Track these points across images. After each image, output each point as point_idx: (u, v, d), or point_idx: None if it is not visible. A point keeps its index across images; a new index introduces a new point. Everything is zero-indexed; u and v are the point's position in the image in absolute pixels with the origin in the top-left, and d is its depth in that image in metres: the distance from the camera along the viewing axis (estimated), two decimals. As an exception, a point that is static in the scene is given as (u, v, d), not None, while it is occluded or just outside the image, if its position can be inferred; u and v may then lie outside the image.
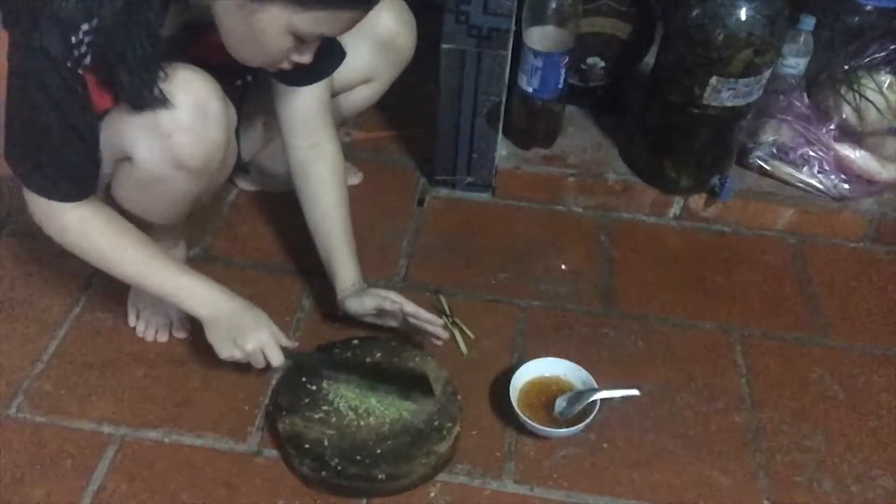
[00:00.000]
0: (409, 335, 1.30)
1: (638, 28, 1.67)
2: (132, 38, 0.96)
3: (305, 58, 1.04)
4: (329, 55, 1.21)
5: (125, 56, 0.97)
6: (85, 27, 0.94)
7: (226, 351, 1.14)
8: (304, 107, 1.24)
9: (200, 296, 1.13)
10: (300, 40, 0.99)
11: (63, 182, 1.04)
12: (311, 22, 0.96)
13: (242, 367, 1.19)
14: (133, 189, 1.15)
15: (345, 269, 1.27)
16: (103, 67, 0.98)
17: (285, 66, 1.05)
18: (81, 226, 1.08)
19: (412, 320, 1.23)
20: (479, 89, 1.51)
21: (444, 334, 1.26)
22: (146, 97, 1.01)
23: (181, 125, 1.03)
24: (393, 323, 1.28)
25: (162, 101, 1.01)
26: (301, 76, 1.19)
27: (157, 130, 1.04)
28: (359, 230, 1.31)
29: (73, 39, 0.94)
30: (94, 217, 1.09)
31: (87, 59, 0.96)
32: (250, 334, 1.13)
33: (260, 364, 1.15)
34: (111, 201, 1.21)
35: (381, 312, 1.25)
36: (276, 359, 1.14)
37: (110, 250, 1.10)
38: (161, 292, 1.14)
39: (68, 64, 0.95)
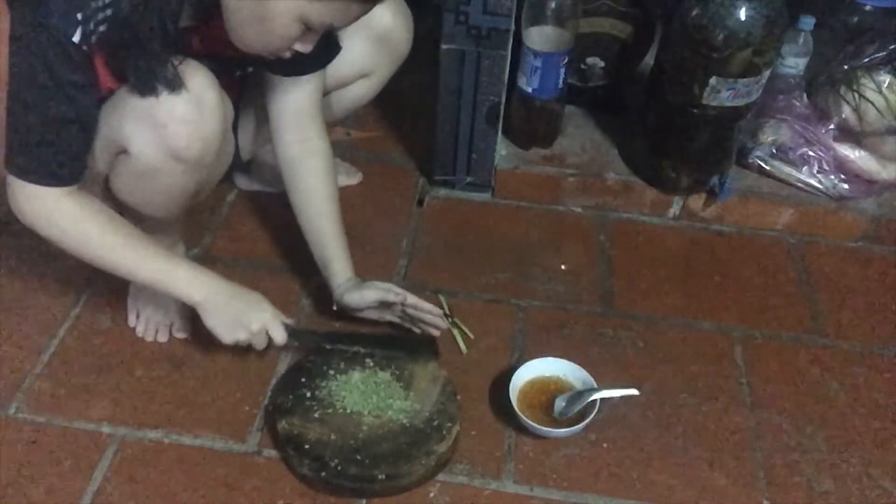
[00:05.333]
0: (406, 329, 1.31)
1: (638, 28, 1.67)
2: (146, 23, 0.96)
3: (307, 47, 1.04)
4: (324, 48, 1.21)
5: (138, 40, 0.97)
6: (98, 3, 0.94)
7: (229, 334, 1.14)
8: (296, 101, 1.25)
9: (195, 281, 1.13)
10: (308, 29, 1.00)
11: (54, 165, 1.03)
12: (323, 12, 0.96)
13: (241, 351, 1.18)
14: (131, 182, 1.14)
15: (340, 263, 1.27)
16: (114, 48, 0.98)
17: (286, 54, 1.05)
18: (72, 215, 1.07)
19: (412, 311, 1.24)
20: (478, 89, 1.51)
21: (443, 324, 1.27)
22: (154, 83, 1.01)
23: (176, 116, 1.03)
24: (390, 317, 1.28)
25: (172, 86, 1.01)
26: (296, 67, 1.19)
27: (152, 121, 1.04)
28: (359, 230, 1.31)
29: (80, 16, 0.93)
30: (85, 206, 1.08)
31: (95, 38, 0.96)
32: (253, 314, 1.14)
33: (263, 345, 1.16)
34: (110, 196, 1.21)
35: (381, 305, 1.25)
36: (281, 337, 1.15)
37: (102, 238, 1.09)
38: (154, 280, 1.12)
39: (75, 39, 0.94)
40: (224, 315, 1.13)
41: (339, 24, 1.01)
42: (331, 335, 1.25)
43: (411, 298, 1.23)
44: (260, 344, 1.16)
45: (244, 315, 1.13)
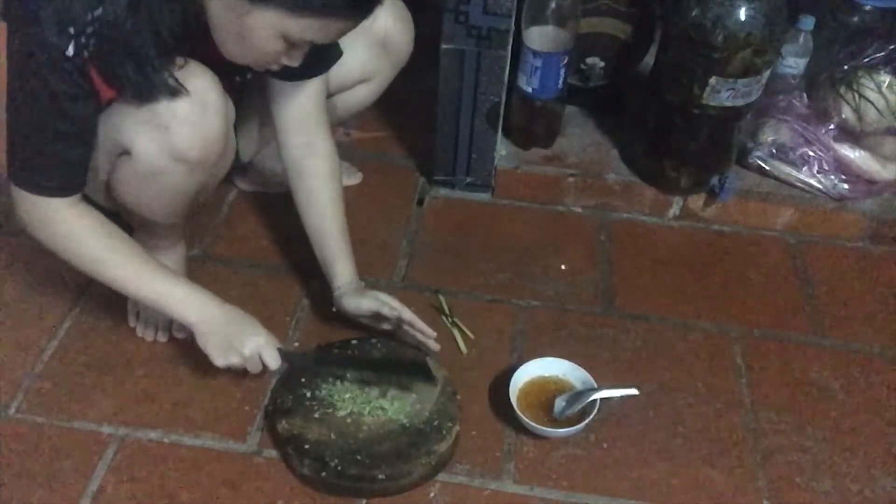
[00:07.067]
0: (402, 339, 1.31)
1: (637, 28, 1.67)
2: (138, 34, 0.95)
3: (294, 62, 1.04)
4: (326, 52, 1.21)
5: (130, 50, 0.96)
6: (88, 17, 0.93)
7: (221, 358, 1.13)
8: (300, 105, 1.24)
9: (190, 303, 1.12)
10: (291, 44, 0.99)
11: (54, 177, 1.04)
12: (303, 28, 0.96)
13: (237, 373, 1.18)
14: (133, 184, 1.14)
15: (342, 266, 1.27)
16: (108, 59, 0.98)
17: (274, 67, 1.05)
18: (72, 227, 1.07)
19: (407, 328, 1.25)
20: (478, 89, 1.51)
21: (435, 347, 1.26)
22: (152, 90, 1.00)
23: (179, 116, 1.03)
24: (386, 326, 1.28)
25: (172, 94, 1.01)
26: (297, 72, 1.19)
27: (155, 123, 1.04)
28: (359, 230, 1.31)
29: (73, 29, 0.93)
30: (86, 218, 1.08)
31: (89, 50, 0.95)
32: (246, 339, 1.12)
33: (257, 369, 1.14)
34: (111, 199, 1.21)
35: (376, 315, 1.25)
36: (274, 362, 1.14)
37: (101, 252, 1.09)
38: (149, 298, 1.12)
39: (68, 53, 0.94)
40: (217, 338, 1.12)
41: (322, 41, 1.01)
42: (324, 359, 1.24)
43: (407, 314, 1.23)
44: (254, 368, 1.14)
45: (237, 339, 1.12)
